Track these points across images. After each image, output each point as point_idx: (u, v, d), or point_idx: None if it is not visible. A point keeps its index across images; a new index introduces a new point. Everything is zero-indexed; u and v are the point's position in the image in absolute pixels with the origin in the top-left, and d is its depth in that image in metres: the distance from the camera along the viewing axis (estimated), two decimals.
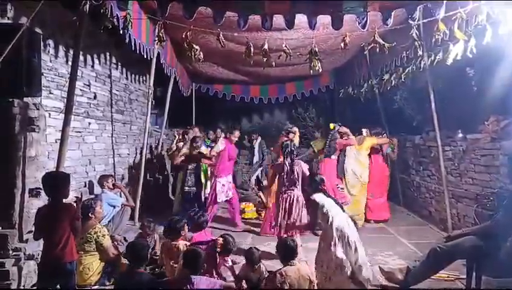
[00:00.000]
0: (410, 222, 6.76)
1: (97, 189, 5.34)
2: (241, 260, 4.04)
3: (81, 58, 5.12)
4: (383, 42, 4.95)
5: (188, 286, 3.01)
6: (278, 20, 5.25)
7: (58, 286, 3.16)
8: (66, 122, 3.80)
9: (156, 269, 4.21)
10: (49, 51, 4.52)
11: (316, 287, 3.50)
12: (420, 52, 5.33)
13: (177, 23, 5.09)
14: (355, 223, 4.39)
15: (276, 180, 4.95)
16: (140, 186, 5.82)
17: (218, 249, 3.78)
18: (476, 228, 3.77)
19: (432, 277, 3.76)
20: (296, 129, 6.49)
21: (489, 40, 4.32)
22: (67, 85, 3.99)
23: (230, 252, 3.91)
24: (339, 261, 3.60)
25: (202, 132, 7.92)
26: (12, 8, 3.88)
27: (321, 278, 3.72)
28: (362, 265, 3.65)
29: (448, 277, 4.04)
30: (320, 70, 5.48)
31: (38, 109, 3.98)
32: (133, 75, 7.31)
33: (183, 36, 5.00)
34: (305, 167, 4.74)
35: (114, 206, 5.14)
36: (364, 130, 6.87)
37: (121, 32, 4.45)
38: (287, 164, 4.64)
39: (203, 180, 6.39)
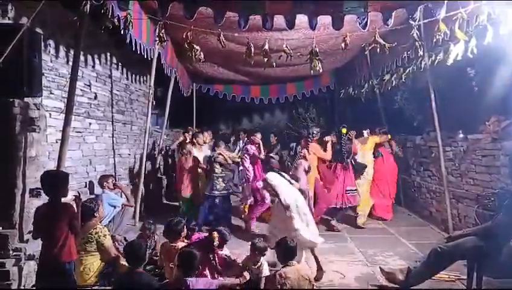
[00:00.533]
0: (411, 223, 6.75)
1: (98, 189, 5.34)
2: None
3: (82, 58, 5.12)
4: (384, 42, 4.96)
5: (183, 288, 3.02)
6: (279, 20, 5.25)
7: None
8: (67, 123, 3.80)
9: (156, 270, 4.20)
10: (49, 51, 4.52)
11: (315, 287, 3.50)
12: (421, 53, 5.34)
13: (178, 23, 5.09)
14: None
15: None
16: (141, 186, 5.80)
17: (217, 243, 3.87)
18: (476, 229, 3.76)
19: (433, 278, 3.76)
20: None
21: (490, 40, 4.32)
22: (67, 85, 4.00)
23: (225, 243, 4.04)
24: (289, 223, 4.20)
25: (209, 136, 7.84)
26: (13, 8, 3.89)
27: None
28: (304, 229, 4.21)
29: (449, 277, 4.03)
30: (321, 70, 5.49)
31: (38, 109, 3.98)
32: (133, 76, 7.30)
33: (184, 36, 5.02)
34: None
35: (114, 207, 5.13)
36: (365, 132, 6.95)
37: (122, 32, 4.46)
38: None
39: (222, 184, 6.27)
